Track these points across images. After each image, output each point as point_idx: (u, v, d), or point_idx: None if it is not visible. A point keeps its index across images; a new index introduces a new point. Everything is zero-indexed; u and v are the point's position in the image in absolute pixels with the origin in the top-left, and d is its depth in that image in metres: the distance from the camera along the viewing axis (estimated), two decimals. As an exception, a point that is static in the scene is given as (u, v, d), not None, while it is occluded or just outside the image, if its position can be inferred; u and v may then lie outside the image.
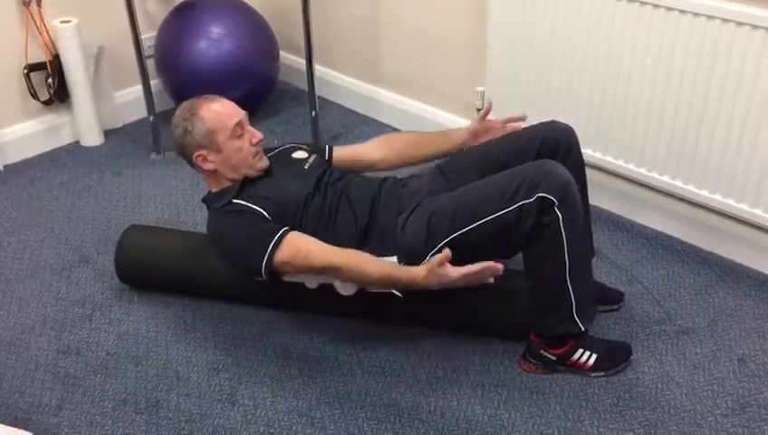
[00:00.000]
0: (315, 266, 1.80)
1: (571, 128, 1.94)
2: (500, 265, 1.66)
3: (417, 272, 1.70)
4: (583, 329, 1.81)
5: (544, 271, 1.78)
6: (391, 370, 1.92)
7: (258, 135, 1.94)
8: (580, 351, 1.86)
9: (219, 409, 1.83)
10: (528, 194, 1.69)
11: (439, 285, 1.70)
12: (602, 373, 1.87)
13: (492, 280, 1.69)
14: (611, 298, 2.06)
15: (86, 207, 2.62)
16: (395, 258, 1.84)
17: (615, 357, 1.89)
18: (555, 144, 1.89)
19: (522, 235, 1.73)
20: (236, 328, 2.07)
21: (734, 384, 1.83)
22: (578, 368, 1.87)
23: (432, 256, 1.79)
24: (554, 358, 1.86)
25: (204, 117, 1.89)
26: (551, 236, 1.71)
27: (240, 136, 1.91)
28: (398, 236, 1.85)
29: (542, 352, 1.87)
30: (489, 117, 2.12)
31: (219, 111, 1.91)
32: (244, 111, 1.95)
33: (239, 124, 1.91)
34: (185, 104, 1.95)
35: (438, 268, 1.67)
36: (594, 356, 1.86)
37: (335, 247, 1.81)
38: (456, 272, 1.67)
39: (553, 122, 1.95)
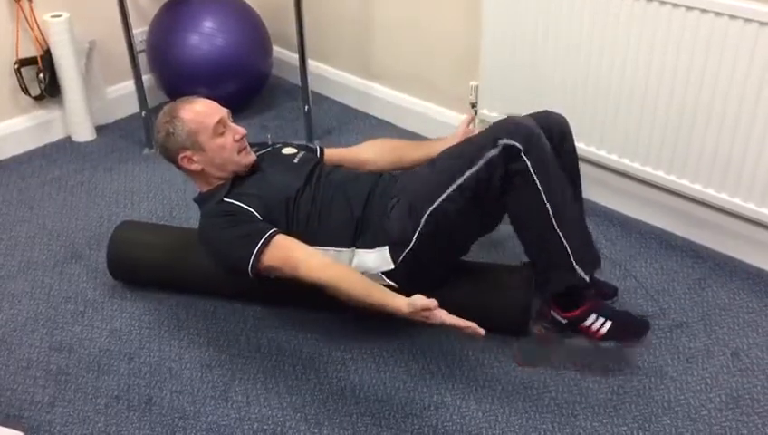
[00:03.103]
0: (303, 279, 1.80)
1: (563, 118, 1.94)
2: (482, 331, 1.64)
3: (401, 307, 1.69)
4: (587, 279, 1.77)
5: (529, 224, 1.77)
6: (385, 366, 1.91)
7: (241, 131, 1.94)
8: (594, 316, 1.82)
9: (212, 405, 1.82)
10: (493, 146, 1.71)
11: (420, 323, 1.71)
12: (613, 344, 1.85)
13: (479, 336, 1.66)
14: (605, 293, 2.06)
15: (78, 203, 2.61)
16: (386, 248, 1.84)
17: (630, 330, 1.85)
18: (548, 135, 1.88)
19: (498, 189, 1.73)
20: (229, 325, 2.06)
21: (728, 378, 1.84)
22: (589, 335, 1.84)
23: (419, 235, 1.80)
24: (564, 321, 1.85)
25: (184, 118, 1.89)
26: (524, 184, 1.71)
27: (222, 133, 1.91)
28: (385, 225, 1.85)
29: (553, 314, 1.86)
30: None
31: (199, 111, 1.91)
32: (225, 109, 1.95)
33: (220, 122, 1.91)
34: (165, 108, 1.96)
35: (423, 311, 1.66)
36: (608, 324, 1.82)
37: (326, 261, 1.81)
38: (438, 318, 1.65)
39: (546, 112, 1.94)
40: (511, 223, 1.81)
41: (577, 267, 1.77)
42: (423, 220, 1.79)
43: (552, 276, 1.80)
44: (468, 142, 1.84)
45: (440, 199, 1.78)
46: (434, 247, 1.84)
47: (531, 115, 1.92)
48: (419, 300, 1.66)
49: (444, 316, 1.66)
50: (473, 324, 1.65)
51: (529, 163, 1.70)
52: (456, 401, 1.81)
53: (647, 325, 1.87)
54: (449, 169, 1.79)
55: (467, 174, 1.75)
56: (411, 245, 1.82)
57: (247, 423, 1.77)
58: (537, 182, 1.71)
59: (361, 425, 1.76)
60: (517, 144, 1.70)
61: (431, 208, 1.79)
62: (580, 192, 1.98)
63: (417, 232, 1.80)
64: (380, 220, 1.87)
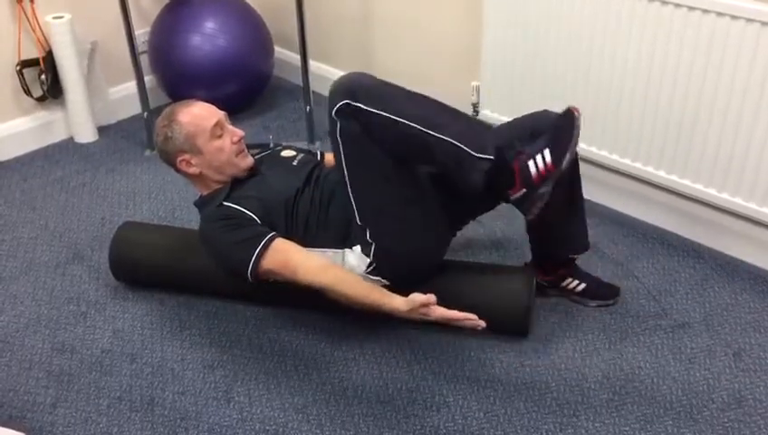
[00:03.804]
0: (302, 282, 1.81)
1: None
2: (482, 322, 1.67)
3: (400, 306, 1.71)
4: (492, 157, 1.70)
5: (414, 151, 1.74)
6: (387, 366, 1.91)
7: (239, 133, 1.95)
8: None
9: (215, 406, 1.82)
10: (332, 122, 1.74)
11: (420, 321, 1.73)
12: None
13: (480, 328, 1.69)
14: (607, 293, 2.06)
15: (80, 204, 2.61)
16: (359, 246, 1.85)
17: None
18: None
19: (368, 146, 1.74)
20: (231, 325, 2.06)
21: (730, 379, 1.84)
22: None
23: (366, 226, 1.82)
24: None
25: (182, 121, 1.90)
26: (377, 124, 1.70)
27: (220, 136, 1.92)
28: (353, 223, 1.86)
29: (538, 191, 1.77)
30: None
31: (196, 114, 1.92)
32: (222, 112, 1.96)
33: (218, 125, 1.91)
34: (163, 112, 1.97)
35: (421, 308, 1.68)
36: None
37: (324, 264, 1.82)
38: (436, 312, 1.68)
39: (545, 112, 1.93)
40: (415, 166, 1.82)
41: (475, 153, 1.70)
42: (354, 208, 1.82)
43: (464, 174, 1.73)
44: None
45: (351, 192, 1.80)
46: (390, 236, 1.83)
47: (530, 115, 1.91)
48: (418, 296, 1.67)
49: (442, 311, 1.67)
50: (472, 316, 1.66)
51: (362, 105, 1.69)
52: (458, 402, 1.81)
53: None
54: (337, 165, 1.82)
55: (342, 159, 1.78)
56: (368, 236, 1.83)
57: (249, 424, 1.77)
58: (379, 111, 1.69)
59: (363, 426, 1.76)
60: (341, 103, 1.70)
61: (354, 204, 1.81)
62: (581, 196, 1.97)
63: (360, 222, 1.83)
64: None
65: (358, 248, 1.85)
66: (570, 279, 2.04)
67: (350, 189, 1.81)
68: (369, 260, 1.84)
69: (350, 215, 1.88)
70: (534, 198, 1.73)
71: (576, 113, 1.67)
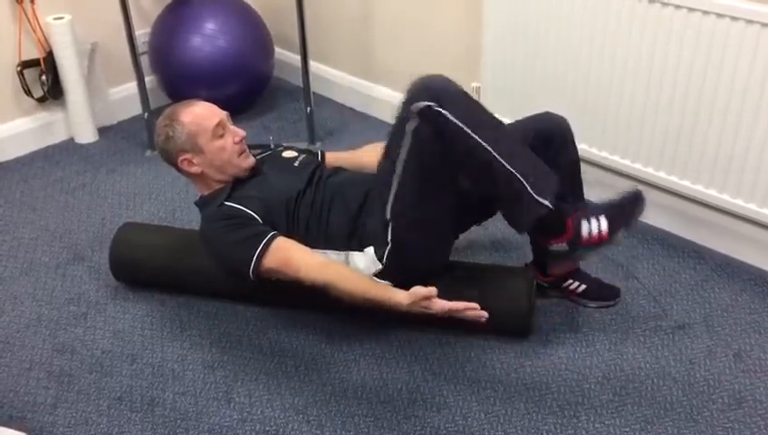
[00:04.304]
0: (304, 280, 1.81)
1: (565, 119, 1.92)
2: (484, 313, 1.67)
3: (402, 300, 1.71)
4: (550, 205, 1.71)
5: (479, 171, 1.73)
6: (387, 366, 1.91)
7: (240, 133, 1.95)
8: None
9: (215, 407, 1.82)
10: (410, 117, 1.69)
11: (422, 314, 1.72)
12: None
13: (483, 319, 1.68)
14: (608, 294, 2.06)
15: (80, 205, 2.61)
16: (371, 248, 1.85)
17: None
18: (549, 137, 1.88)
19: (436, 153, 1.71)
20: (232, 326, 2.06)
21: (731, 379, 1.84)
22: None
23: (393, 228, 1.80)
24: (566, 245, 1.83)
25: (184, 121, 1.90)
26: (454, 134, 1.68)
27: (222, 136, 1.92)
28: (367, 224, 1.86)
29: (551, 248, 1.85)
30: None
31: (198, 114, 1.92)
32: (224, 112, 1.96)
33: (219, 124, 1.91)
34: (165, 111, 1.97)
35: (422, 301, 1.68)
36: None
37: (325, 261, 1.82)
38: (438, 305, 1.68)
39: (547, 114, 1.93)
40: (465, 179, 1.79)
41: (536, 196, 1.71)
42: (389, 211, 1.80)
43: (519, 213, 1.75)
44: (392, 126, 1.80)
45: (394, 190, 1.77)
46: (413, 239, 1.83)
47: (531, 117, 1.92)
48: (419, 290, 1.68)
49: (444, 303, 1.67)
50: (474, 305, 1.66)
51: (447, 113, 1.67)
52: (459, 402, 1.81)
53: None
54: (389, 159, 1.78)
55: (402, 156, 1.73)
56: (389, 241, 1.82)
57: (249, 424, 1.77)
58: (463, 126, 1.67)
59: (363, 426, 1.76)
60: (428, 102, 1.66)
61: (391, 197, 1.79)
62: (582, 196, 1.98)
63: (390, 227, 1.81)
64: (366, 220, 1.88)
65: (370, 250, 1.85)
66: (570, 280, 2.04)
67: (396, 182, 1.77)
68: (379, 265, 1.84)
69: (351, 216, 1.88)
70: (571, 257, 1.82)
71: (644, 197, 1.77)
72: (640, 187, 2.30)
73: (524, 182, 1.69)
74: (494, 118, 1.76)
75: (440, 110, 1.66)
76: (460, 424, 1.75)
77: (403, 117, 1.72)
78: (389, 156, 1.79)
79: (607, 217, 1.77)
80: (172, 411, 1.81)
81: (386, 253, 1.83)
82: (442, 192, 1.82)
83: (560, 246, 1.79)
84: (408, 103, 1.71)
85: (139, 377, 1.91)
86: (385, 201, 1.80)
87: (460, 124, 1.67)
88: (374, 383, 1.87)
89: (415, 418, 1.77)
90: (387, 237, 1.82)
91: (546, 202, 1.71)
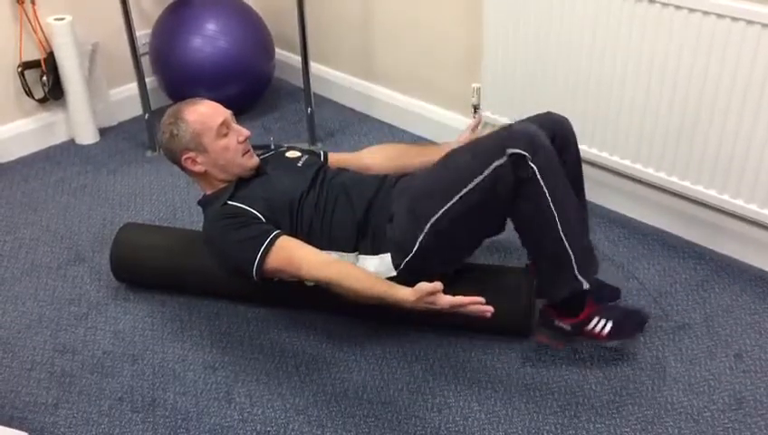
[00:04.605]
0: (306, 278, 1.81)
1: (566, 119, 1.93)
2: (489, 308, 1.64)
3: (407, 296, 1.69)
4: (588, 285, 1.77)
5: (536, 231, 1.76)
6: (388, 367, 1.91)
7: (245, 132, 1.95)
8: (596, 319, 1.84)
9: (216, 407, 1.82)
10: (499, 155, 1.69)
11: (426, 310, 1.70)
12: (617, 342, 1.89)
13: (489, 314, 1.66)
14: (609, 295, 2.06)
15: (81, 206, 2.61)
16: (388, 255, 1.84)
17: (630, 325, 1.89)
18: (551, 137, 1.88)
19: (504, 198, 1.72)
20: (233, 326, 2.07)
21: (731, 380, 1.84)
22: (593, 337, 1.86)
23: (422, 242, 1.79)
24: (569, 328, 1.85)
25: (188, 119, 1.90)
26: (532, 192, 1.70)
27: (226, 135, 1.91)
28: (387, 231, 1.85)
29: (556, 322, 1.86)
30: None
31: (203, 112, 1.92)
32: (228, 111, 1.96)
33: (224, 123, 1.91)
34: (169, 110, 1.97)
35: (427, 296, 1.67)
36: (610, 323, 1.84)
37: (329, 259, 1.81)
38: (443, 300, 1.66)
39: (549, 114, 1.93)
40: (515, 228, 1.81)
41: (578, 274, 1.77)
42: (426, 229, 1.78)
43: (556, 283, 1.80)
44: (474, 149, 1.80)
45: (444, 209, 1.76)
46: (436, 255, 1.83)
47: (532, 118, 1.92)
48: (425, 285, 1.66)
49: (449, 298, 1.66)
50: (479, 299, 1.65)
51: (536, 170, 1.69)
52: (459, 403, 1.81)
53: (644, 316, 1.91)
54: (454, 178, 1.77)
55: (472, 184, 1.72)
56: (413, 252, 1.81)
57: (250, 425, 1.77)
58: (544, 188, 1.70)
59: (364, 426, 1.76)
60: (524, 152, 1.68)
61: (434, 218, 1.77)
62: (584, 197, 1.98)
63: (419, 240, 1.80)
64: (383, 225, 1.87)
65: (387, 257, 1.84)
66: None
67: (450, 203, 1.75)
68: (393, 272, 1.84)
69: (356, 217, 1.87)
70: (564, 335, 1.85)
71: (648, 321, 1.88)
72: (641, 185, 2.30)
73: (572, 257, 1.74)
74: (568, 185, 1.77)
75: (532, 165, 1.68)
76: (461, 424, 1.75)
77: (490, 153, 1.71)
78: (451, 169, 1.79)
79: (614, 324, 1.84)
80: (173, 412, 1.81)
81: (405, 262, 1.83)
82: (488, 225, 1.84)
83: (564, 324, 1.85)
84: (500, 141, 1.71)
85: (140, 377, 1.91)
86: (427, 213, 1.78)
87: (544, 189, 1.69)
88: (375, 384, 1.87)
89: (416, 418, 1.78)
90: (412, 247, 1.81)
91: (585, 282, 1.77)
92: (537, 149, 1.69)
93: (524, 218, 1.77)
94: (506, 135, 1.73)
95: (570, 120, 1.94)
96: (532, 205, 1.72)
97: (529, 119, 1.95)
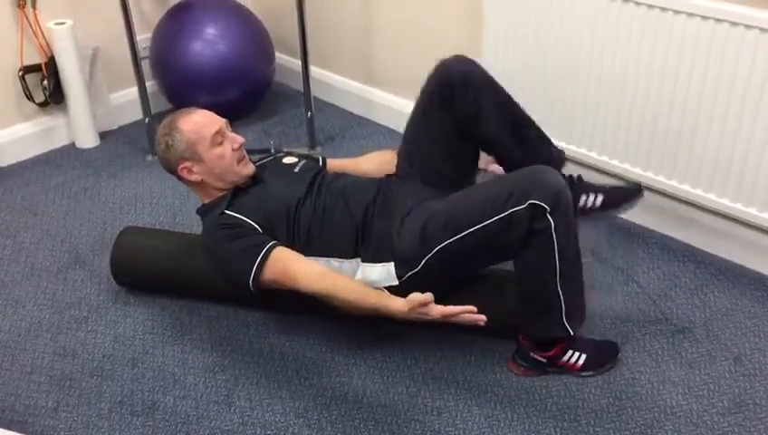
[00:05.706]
0: (302, 290, 1.80)
1: (463, 59, 1.95)
2: (482, 317, 1.65)
3: (400, 307, 1.70)
4: (572, 333, 1.81)
5: (535, 278, 1.77)
6: (388, 371, 1.92)
7: (239, 140, 1.95)
8: (570, 352, 1.86)
9: (216, 410, 1.82)
10: (520, 201, 1.68)
11: (420, 320, 1.72)
12: (592, 373, 1.87)
13: (482, 323, 1.67)
14: (626, 197, 2.04)
15: (81, 210, 2.62)
16: (392, 264, 1.84)
17: (603, 356, 1.89)
18: (449, 87, 1.91)
19: (513, 242, 1.72)
20: (233, 330, 2.07)
21: (731, 383, 1.84)
22: (568, 369, 1.87)
23: (427, 261, 1.79)
24: (544, 360, 1.86)
25: (183, 129, 1.90)
26: (542, 244, 1.70)
27: (221, 143, 1.91)
28: (394, 242, 1.85)
29: (531, 354, 1.87)
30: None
31: (197, 122, 1.92)
32: (223, 119, 1.96)
33: (219, 132, 1.91)
34: (164, 120, 1.97)
35: (420, 307, 1.67)
36: (584, 356, 1.86)
37: (323, 271, 1.82)
38: (435, 310, 1.67)
39: (442, 65, 1.96)
40: (513, 264, 1.80)
41: (565, 322, 1.79)
42: (434, 250, 1.79)
43: (541, 326, 1.82)
44: (500, 184, 1.77)
45: (454, 238, 1.76)
46: (440, 274, 1.83)
47: (431, 76, 1.96)
48: (416, 296, 1.67)
49: (441, 308, 1.67)
50: (471, 307, 1.65)
51: (552, 226, 1.68)
52: (459, 406, 1.81)
53: (615, 348, 1.92)
54: (471, 211, 1.76)
55: (487, 222, 1.72)
56: (418, 268, 1.81)
57: (250, 428, 1.78)
58: (555, 245, 1.70)
59: (364, 430, 1.76)
60: (545, 205, 1.66)
61: (444, 243, 1.77)
62: (518, 111, 2.02)
63: (426, 258, 1.80)
64: (388, 234, 1.86)
65: (391, 267, 1.84)
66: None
67: (465, 231, 1.75)
68: (395, 281, 1.84)
69: (354, 221, 1.87)
70: (540, 366, 1.87)
71: (619, 352, 1.91)
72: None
73: (563, 306, 1.77)
74: (577, 242, 1.77)
75: (550, 219, 1.67)
76: (461, 428, 1.76)
77: (510, 196, 1.69)
78: (472, 200, 1.78)
79: (587, 357, 1.87)
80: (173, 415, 1.82)
81: (409, 275, 1.83)
82: (493, 261, 1.86)
83: (539, 356, 1.87)
84: (524, 187, 1.69)
85: (139, 381, 1.91)
86: (436, 237, 1.78)
87: (555, 246, 1.70)
88: (374, 387, 1.87)
89: (415, 421, 1.78)
90: (417, 264, 1.81)
91: (569, 329, 1.80)
92: (558, 205, 1.67)
93: (526, 265, 1.77)
94: (532, 181, 1.70)
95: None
96: (539, 257, 1.73)
97: (428, 77, 1.97)
